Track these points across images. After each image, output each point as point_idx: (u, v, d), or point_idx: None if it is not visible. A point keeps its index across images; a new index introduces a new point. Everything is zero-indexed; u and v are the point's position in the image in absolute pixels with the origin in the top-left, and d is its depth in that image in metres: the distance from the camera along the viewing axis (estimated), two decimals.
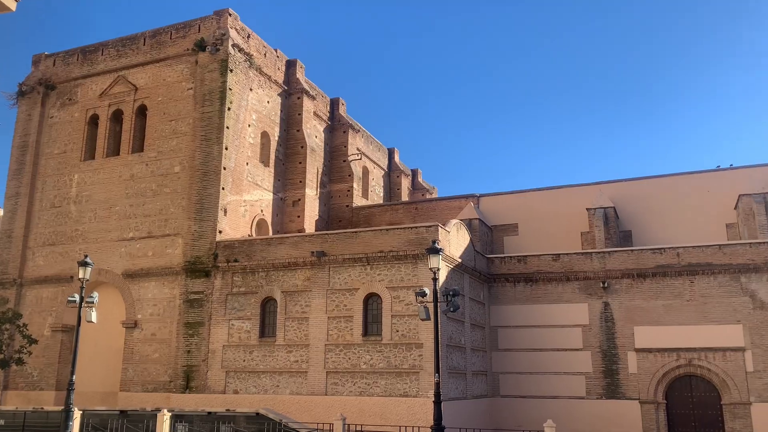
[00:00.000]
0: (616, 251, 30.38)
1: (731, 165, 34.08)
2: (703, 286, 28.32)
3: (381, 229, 27.26)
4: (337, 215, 39.34)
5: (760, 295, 27.44)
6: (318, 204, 37.47)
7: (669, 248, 29.29)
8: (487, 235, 36.72)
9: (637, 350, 28.73)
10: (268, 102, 34.59)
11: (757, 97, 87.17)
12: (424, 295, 21.39)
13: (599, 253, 30.56)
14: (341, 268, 27.09)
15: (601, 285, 29.80)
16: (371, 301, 26.58)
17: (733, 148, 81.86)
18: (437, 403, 20.34)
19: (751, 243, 28.18)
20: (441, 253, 21.96)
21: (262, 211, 33.27)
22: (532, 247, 35.31)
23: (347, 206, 39.33)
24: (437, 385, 20.61)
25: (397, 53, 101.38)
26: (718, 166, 34.47)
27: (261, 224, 33.41)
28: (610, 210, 33.54)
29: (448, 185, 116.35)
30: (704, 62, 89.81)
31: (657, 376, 28.18)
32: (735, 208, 32.28)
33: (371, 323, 26.42)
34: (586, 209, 34.11)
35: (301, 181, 35.51)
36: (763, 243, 27.93)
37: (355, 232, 27.65)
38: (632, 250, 30.16)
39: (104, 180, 33.18)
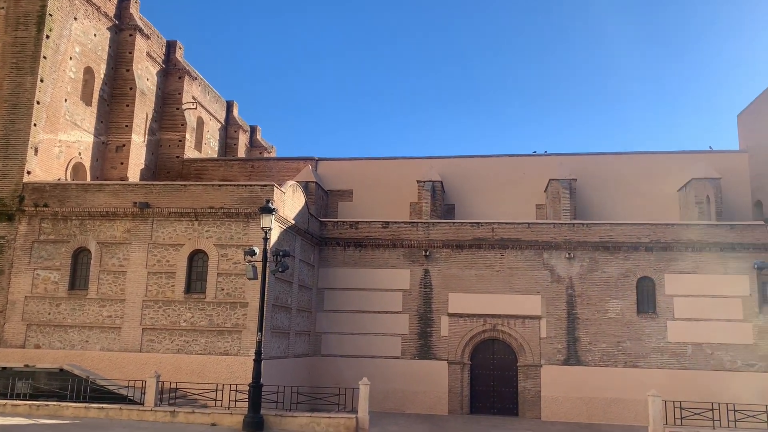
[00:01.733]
0: (439, 222, 32.22)
1: (545, 152, 37.52)
2: (512, 259, 31.08)
3: (213, 184, 26.35)
4: (165, 166, 37.30)
5: (557, 270, 30.72)
6: (145, 152, 35.23)
7: (485, 223, 31.67)
8: (322, 199, 37.07)
9: (450, 315, 30.93)
10: (95, 35, 31.56)
11: (567, 88, 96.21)
12: (253, 254, 21.19)
13: (424, 223, 32.23)
14: (166, 221, 25.86)
15: (424, 253, 31.51)
16: (197, 258, 25.75)
17: (545, 135, 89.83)
18: (257, 361, 20.41)
19: (554, 223, 31.36)
20: (274, 213, 21.87)
21: (80, 154, 30.55)
22: (364, 213, 36.33)
23: (178, 157, 37.44)
24: (259, 343, 20.66)
25: (245, 4, 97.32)
26: (534, 152, 37.75)
27: (78, 168, 30.71)
28: (438, 184, 35.42)
29: (288, 146, 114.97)
30: (520, 55, 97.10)
31: (465, 339, 30.60)
32: (545, 191, 35.63)
33: (195, 280, 25.64)
34: (417, 181, 35.72)
35: (127, 126, 33.07)
36: (565, 224, 31.21)
37: (185, 185, 26.45)
38: (453, 223, 32.18)
39: None
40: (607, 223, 31.03)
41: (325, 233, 32.41)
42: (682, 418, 22.42)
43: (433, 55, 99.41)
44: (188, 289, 25.43)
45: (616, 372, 29.31)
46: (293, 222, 27.88)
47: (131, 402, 21.76)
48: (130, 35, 33.71)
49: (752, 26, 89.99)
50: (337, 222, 32.84)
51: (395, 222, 32.45)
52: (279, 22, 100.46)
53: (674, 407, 22.74)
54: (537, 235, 31.08)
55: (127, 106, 33.31)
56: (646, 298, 30.04)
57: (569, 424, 28.05)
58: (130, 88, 33.40)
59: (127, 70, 33.52)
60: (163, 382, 22.59)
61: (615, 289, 30.15)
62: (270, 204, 21.84)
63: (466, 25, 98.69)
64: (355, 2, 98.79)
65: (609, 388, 29.05)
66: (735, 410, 22.48)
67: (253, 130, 48.66)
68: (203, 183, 26.78)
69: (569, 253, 30.59)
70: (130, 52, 33.63)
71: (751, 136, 34.32)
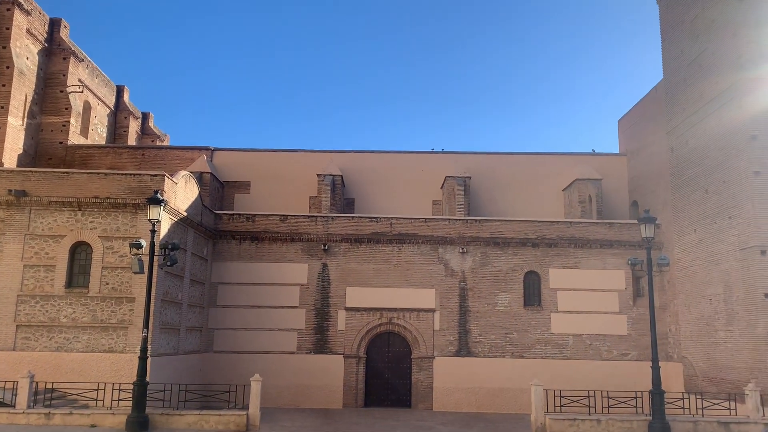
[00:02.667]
0: (338, 217, 32.25)
1: (442, 149, 38.46)
2: (409, 253, 31.65)
3: (99, 173, 24.94)
4: (47, 152, 34.89)
5: (451, 265, 31.61)
6: (24, 136, 32.80)
7: (384, 218, 32.06)
8: (218, 191, 36.08)
9: (347, 309, 31.07)
10: None
11: (463, 87, 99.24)
12: (139, 247, 20.35)
13: (324, 217, 32.15)
14: (46, 211, 24.21)
15: (323, 247, 31.45)
16: (80, 251, 24.31)
17: (443, 133, 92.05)
18: (142, 358, 19.63)
19: (449, 219, 32.23)
20: (164, 204, 21.08)
21: None
22: (262, 206, 35.72)
23: (61, 143, 35.12)
24: (144, 340, 19.88)
25: None
26: (432, 149, 38.61)
27: None
28: (338, 178, 35.41)
29: (183, 135, 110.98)
30: (420, 55, 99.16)
31: (361, 332, 30.86)
32: (441, 188, 36.53)
33: (78, 274, 24.20)
34: (317, 175, 35.53)
35: (3, 107, 30.63)
36: (459, 220, 32.15)
37: (67, 172, 24.86)
38: (353, 217, 32.32)
39: None
40: (498, 219, 32.29)
41: (219, 226, 31.57)
42: (561, 406, 23.77)
43: (338, 50, 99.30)
44: (69, 284, 23.98)
45: (504, 363, 30.61)
46: (185, 214, 26.94)
47: (2, 405, 20.27)
48: (8, 9, 31.23)
49: (635, 36, 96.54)
50: (233, 215, 32.09)
51: (294, 215, 32.15)
52: (177, 7, 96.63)
53: (554, 395, 24.10)
54: (433, 230, 31.82)
55: (4, 86, 30.88)
56: (532, 291, 31.56)
57: (458, 413, 29.00)
58: (7, 67, 30.98)
59: (4, 47, 31.05)
60: (38, 382, 21.22)
61: (504, 283, 31.44)
62: (159, 195, 21.01)
63: (364, 24, 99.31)
64: None
65: (497, 379, 30.30)
66: (609, 397, 24.13)
67: (145, 117, 46.49)
68: (88, 171, 25.28)
69: (462, 248, 31.56)
70: (8, 28, 31.16)
71: (629, 141, 36.80)
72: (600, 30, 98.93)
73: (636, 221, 30.07)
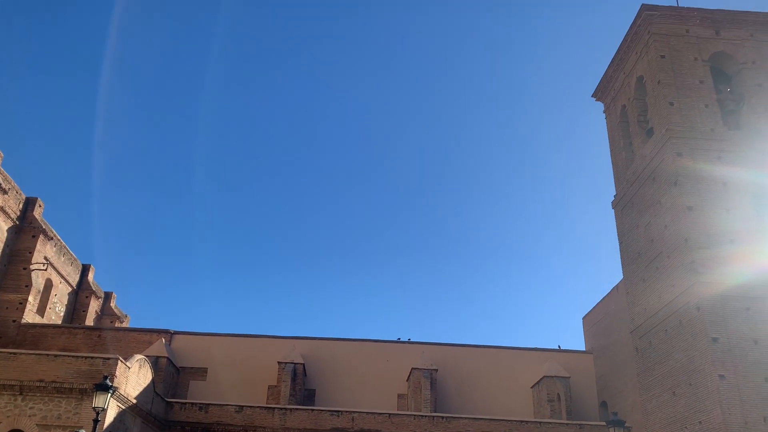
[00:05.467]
0: (297, 409, 30.64)
1: (409, 339, 37.98)
2: None
3: (47, 354, 23.77)
4: None
5: None
6: None
7: (345, 411, 30.53)
8: (173, 376, 34.41)
9: None
10: None
11: (431, 279, 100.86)
12: None
13: (281, 409, 30.51)
14: None
15: None
16: None
17: (409, 322, 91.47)
18: None
19: (414, 415, 30.84)
20: (112, 391, 19.87)
21: None
22: (218, 395, 33.93)
23: (14, 321, 33.83)
24: None
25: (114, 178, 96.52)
26: (399, 339, 38.11)
27: None
28: (300, 366, 34.26)
29: (146, 317, 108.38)
30: (385, 245, 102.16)
31: None
32: (407, 380, 35.45)
33: None
34: (278, 362, 34.37)
35: None
36: (425, 416, 30.77)
37: (14, 353, 23.63)
38: (312, 410, 30.73)
39: None
40: (466, 417, 30.99)
41: (170, 416, 29.58)
42: None
43: (304, 236, 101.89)
44: None
45: None
46: (135, 401, 25.32)
47: None
48: None
49: (599, 235, 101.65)
50: (185, 403, 30.27)
51: (250, 406, 30.48)
52: (155, 194, 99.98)
53: None
54: (397, 427, 30.24)
55: None
56: None
57: None
58: None
59: None
60: None
61: None
62: (108, 380, 19.88)
63: (328, 203, 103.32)
64: (228, 181, 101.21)
65: None
66: None
67: (107, 297, 45.64)
68: (37, 352, 24.09)
69: None
70: None
71: (595, 338, 36.96)
72: (562, 227, 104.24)
73: (604, 423, 29.08)
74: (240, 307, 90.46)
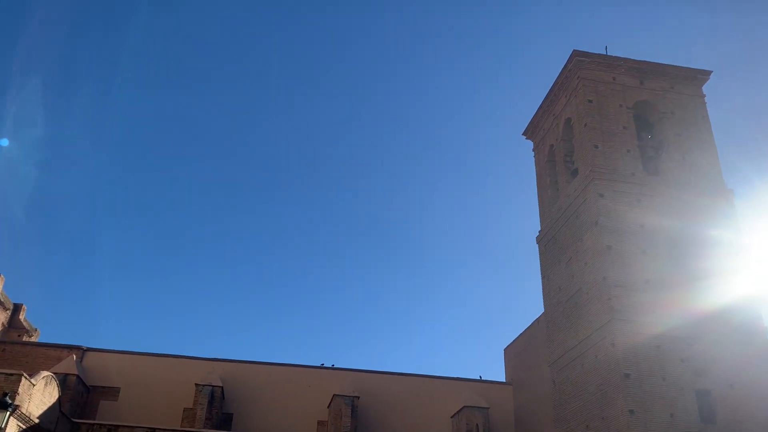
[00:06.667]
0: None
1: (333, 365, 37.54)
2: None
3: None
4: None
5: None
6: None
7: None
8: (82, 396, 32.69)
9: None
10: None
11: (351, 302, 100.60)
12: None
13: None
14: None
15: None
16: None
17: (331, 347, 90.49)
18: None
19: None
20: (12, 409, 18.67)
21: None
22: (130, 416, 32.38)
23: None
24: None
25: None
26: (322, 364, 37.62)
27: None
28: (218, 389, 33.23)
29: (56, 332, 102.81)
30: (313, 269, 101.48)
31: None
32: (328, 407, 34.96)
33: None
34: (195, 384, 33.22)
35: None
36: None
37: None
38: None
39: None
40: None
41: None
42: None
43: (228, 253, 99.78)
44: None
45: None
46: (37, 421, 23.85)
47: None
48: None
49: (525, 268, 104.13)
50: (93, 424, 28.78)
51: (163, 429, 29.24)
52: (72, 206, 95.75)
53: None
54: None
55: None
56: None
57: None
58: None
59: None
60: None
61: None
62: (9, 398, 18.66)
63: (249, 220, 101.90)
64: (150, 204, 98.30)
65: None
66: None
67: (17, 309, 42.94)
68: None
69: None
70: None
71: (515, 370, 37.65)
72: (488, 259, 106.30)
73: None
74: (158, 325, 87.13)
